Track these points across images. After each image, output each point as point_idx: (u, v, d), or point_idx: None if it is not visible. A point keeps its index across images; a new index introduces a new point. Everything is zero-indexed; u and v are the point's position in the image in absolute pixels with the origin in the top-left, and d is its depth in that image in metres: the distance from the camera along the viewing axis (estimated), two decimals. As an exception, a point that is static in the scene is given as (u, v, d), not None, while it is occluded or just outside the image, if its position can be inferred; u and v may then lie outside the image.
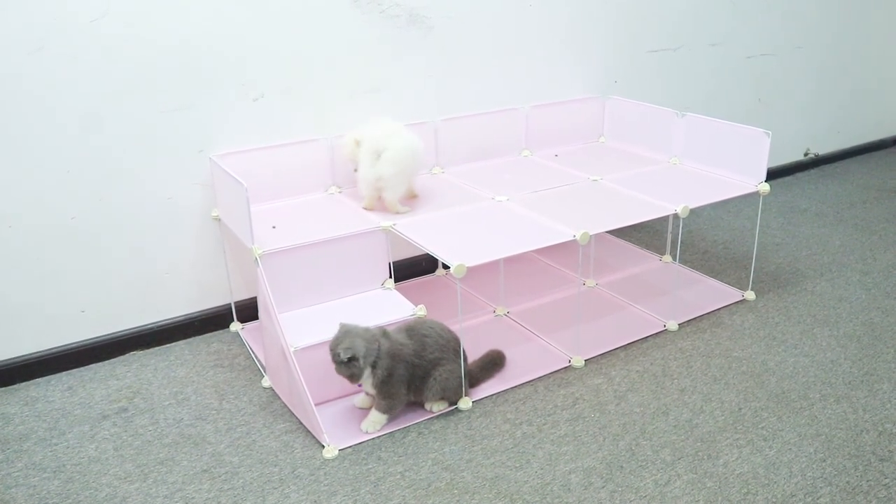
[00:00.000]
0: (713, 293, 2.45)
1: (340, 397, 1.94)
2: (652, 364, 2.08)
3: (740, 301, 2.40)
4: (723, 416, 1.86)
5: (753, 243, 2.64)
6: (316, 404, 1.85)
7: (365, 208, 2.16)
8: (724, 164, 2.39)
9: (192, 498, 1.63)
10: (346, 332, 1.76)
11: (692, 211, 2.14)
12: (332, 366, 1.79)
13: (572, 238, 1.94)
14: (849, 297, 2.42)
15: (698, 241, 2.87)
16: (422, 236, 1.96)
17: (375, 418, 1.82)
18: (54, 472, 1.72)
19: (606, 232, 2.76)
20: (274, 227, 2.04)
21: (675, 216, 2.12)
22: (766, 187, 2.28)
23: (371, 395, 1.84)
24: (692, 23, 2.95)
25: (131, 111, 1.99)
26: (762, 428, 1.80)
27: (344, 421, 1.86)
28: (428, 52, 2.40)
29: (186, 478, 1.69)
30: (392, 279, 2.11)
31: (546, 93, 2.68)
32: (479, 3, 2.44)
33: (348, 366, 1.74)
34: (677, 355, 2.11)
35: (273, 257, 1.92)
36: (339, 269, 2.03)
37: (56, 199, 1.97)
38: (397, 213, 2.12)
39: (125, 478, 1.69)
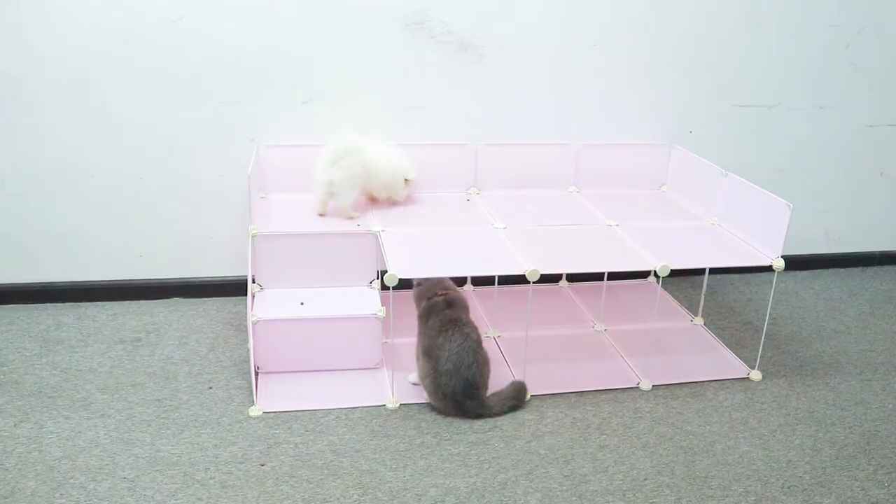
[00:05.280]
0: (719, 364, 2.31)
1: (292, 372, 2.17)
2: (595, 415, 2.05)
3: (742, 378, 2.24)
4: (622, 480, 1.80)
5: (764, 320, 2.45)
6: (268, 372, 2.13)
7: (318, 213, 2.36)
8: (753, 232, 2.25)
9: (136, 416, 1.98)
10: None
11: (761, 277, 2.05)
12: (289, 340, 2.14)
13: (522, 273, 1.99)
14: (872, 402, 2.15)
15: (750, 310, 2.67)
16: (393, 244, 2.14)
17: None
18: (62, 371, 2.17)
19: (655, 283, 2.75)
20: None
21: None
22: (780, 263, 2.11)
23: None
24: (796, 80, 2.75)
25: (196, 98, 2.40)
26: (652, 503, 1.73)
27: (283, 392, 2.10)
28: (477, 78, 2.54)
29: (143, 401, 2.05)
30: (379, 280, 2.30)
31: (604, 133, 2.68)
32: (535, 37, 2.53)
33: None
34: (627, 414, 2.06)
35: (266, 239, 2.21)
36: (328, 262, 2.26)
37: (129, 161, 2.44)
38: (349, 217, 2.34)
39: (102, 389, 2.09)
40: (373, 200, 2.47)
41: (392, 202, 2.47)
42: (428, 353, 2.01)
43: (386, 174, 2.39)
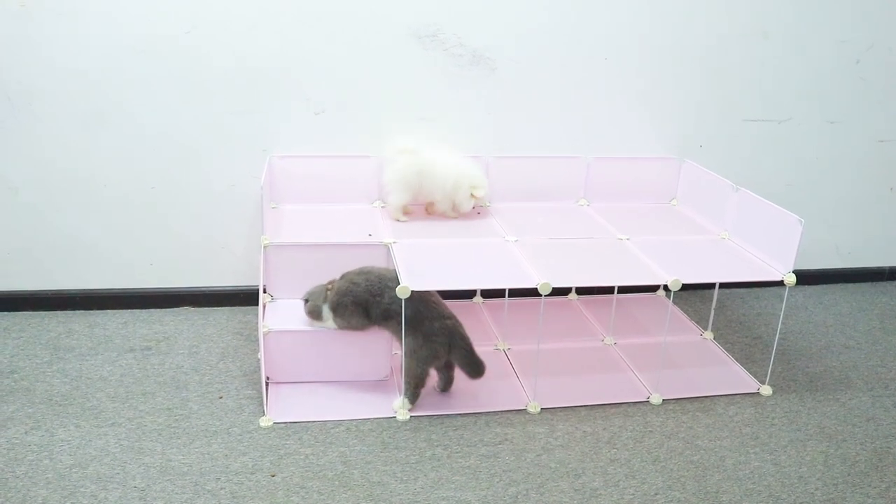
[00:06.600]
0: (729, 379, 2.31)
1: (303, 382, 2.17)
2: (605, 429, 2.04)
3: (752, 393, 2.24)
4: (632, 495, 1.80)
5: (774, 335, 2.44)
6: (278, 382, 2.13)
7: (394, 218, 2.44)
8: (764, 247, 2.25)
9: (146, 425, 1.98)
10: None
11: (770, 292, 2.06)
12: (300, 350, 2.14)
13: (534, 286, 1.99)
14: (883, 418, 2.14)
15: (760, 325, 2.66)
16: (405, 256, 2.14)
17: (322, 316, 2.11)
18: (72, 378, 2.17)
19: (665, 296, 2.74)
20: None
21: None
22: (791, 278, 2.11)
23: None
24: (807, 95, 2.75)
25: (208, 108, 2.41)
26: (664, 517, 1.73)
27: (294, 402, 2.10)
28: (489, 90, 2.55)
29: (153, 410, 2.05)
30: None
31: (614, 146, 2.69)
32: (546, 51, 2.54)
33: (307, 305, 2.11)
34: (637, 428, 2.05)
35: (278, 249, 2.22)
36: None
37: (141, 170, 2.45)
38: (396, 220, 2.40)
39: (113, 397, 2.10)
40: (436, 212, 2.48)
41: (458, 213, 2.47)
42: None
43: (449, 183, 2.38)
